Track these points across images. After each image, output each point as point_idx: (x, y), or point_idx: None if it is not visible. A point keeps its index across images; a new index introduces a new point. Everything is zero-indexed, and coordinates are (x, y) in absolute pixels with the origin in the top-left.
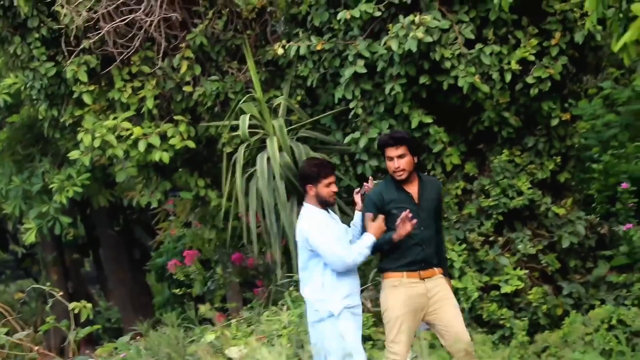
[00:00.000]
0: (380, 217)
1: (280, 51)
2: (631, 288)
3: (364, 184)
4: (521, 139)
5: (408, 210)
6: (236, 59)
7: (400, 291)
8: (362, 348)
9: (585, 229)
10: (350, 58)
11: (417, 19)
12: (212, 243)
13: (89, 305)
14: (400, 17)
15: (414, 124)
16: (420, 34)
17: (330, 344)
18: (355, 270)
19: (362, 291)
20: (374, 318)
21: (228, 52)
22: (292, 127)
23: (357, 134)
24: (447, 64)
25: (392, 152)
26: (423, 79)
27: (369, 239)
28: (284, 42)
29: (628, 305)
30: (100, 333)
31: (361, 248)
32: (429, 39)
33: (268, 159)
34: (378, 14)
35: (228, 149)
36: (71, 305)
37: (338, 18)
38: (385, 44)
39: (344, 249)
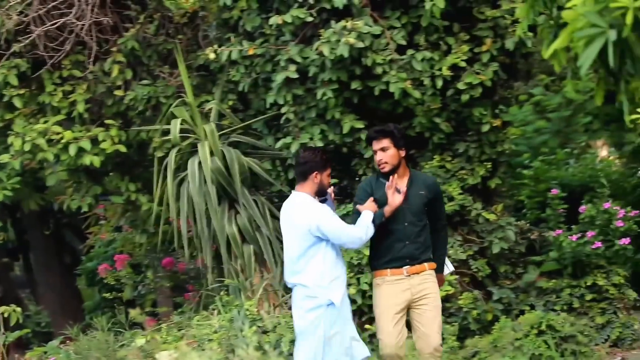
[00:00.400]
0: (370, 198)
1: (212, 56)
2: (560, 294)
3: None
4: (452, 144)
5: (395, 176)
6: (168, 64)
7: (382, 289)
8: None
9: (516, 234)
10: (282, 63)
11: (348, 25)
12: (143, 247)
13: (19, 309)
14: (332, 22)
15: (345, 130)
16: (352, 39)
17: (322, 332)
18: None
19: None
20: None
21: (159, 57)
22: (224, 131)
23: (288, 139)
24: (379, 70)
25: (375, 145)
26: (355, 85)
27: (368, 215)
28: (215, 46)
29: (557, 310)
30: (30, 337)
31: (367, 223)
32: (360, 45)
33: (199, 163)
34: (310, 19)
35: (159, 154)
36: (0, 309)
37: (270, 23)
38: (317, 49)
39: (355, 227)
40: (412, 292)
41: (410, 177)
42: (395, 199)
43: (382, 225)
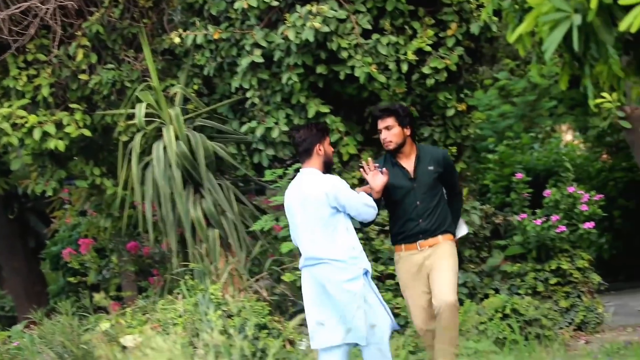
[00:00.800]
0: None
1: (177, 40)
2: (525, 277)
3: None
4: (417, 129)
5: (370, 160)
6: (133, 48)
7: (400, 265)
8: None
9: (480, 218)
10: (247, 47)
11: (314, 9)
12: (108, 231)
13: None
14: (298, 6)
15: (310, 114)
16: (317, 23)
17: (367, 298)
18: None
19: (257, 280)
20: (269, 307)
21: (124, 41)
22: (189, 116)
23: (253, 123)
24: (344, 54)
25: (380, 124)
26: (320, 69)
27: (366, 194)
28: (180, 31)
29: (522, 294)
30: None
31: (367, 195)
32: (326, 29)
33: (164, 147)
34: (275, 3)
35: (124, 138)
36: None
37: (235, 7)
38: (282, 33)
39: (369, 198)
40: (426, 264)
41: (417, 154)
42: (376, 181)
43: (396, 204)
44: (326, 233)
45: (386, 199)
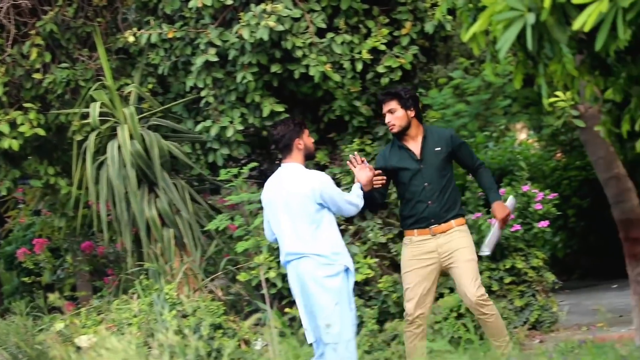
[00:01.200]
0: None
1: (131, 39)
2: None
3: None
4: (372, 128)
5: (357, 154)
6: (87, 47)
7: (408, 250)
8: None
9: None
10: (202, 46)
11: (268, 8)
12: (62, 231)
13: None
14: (252, 5)
15: (265, 113)
16: (271, 22)
17: (344, 297)
18: None
19: (212, 279)
20: (224, 307)
21: (79, 40)
22: (143, 115)
23: (208, 123)
24: (299, 53)
25: (384, 107)
26: (274, 68)
27: (358, 186)
28: (135, 29)
29: None
30: None
31: (360, 193)
32: (280, 28)
33: (119, 147)
34: (230, 2)
35: (78, 137)
36: None
37: (189, 6)
38: (236, 32)
39: (353, 195)
40: (439, 252)
41: (424, 136)
42: (361, 175)
43: (404, 187)
44: (310, 228)
45: (395, 182)
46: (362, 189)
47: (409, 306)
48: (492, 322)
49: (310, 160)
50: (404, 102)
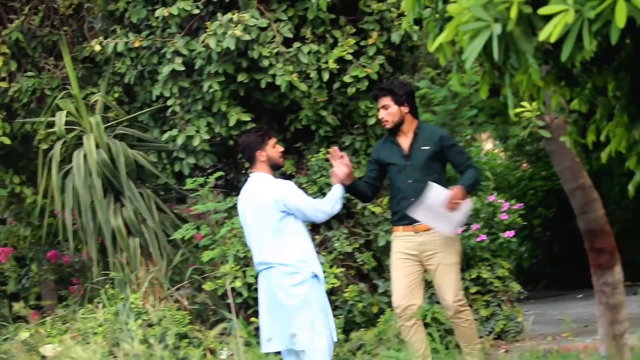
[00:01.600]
0: (342, 166)
1: (97, 48)
2: None
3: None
4: (338, 137)
5: (336, 148)
6: (53, 55)
7: (395, 243)
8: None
9: None
10: (168, 55)
11: (235, 17)
12: (28, 240)
13: None
14: (219, 15)
15: (232, 122)
16: (238, 32)
17: (314, 304)
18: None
19: (177, 289)
20: (190, 316)
21: (45, 48)
22: (109, 124)
23: (174, 132)
24: (265, 63)
25: (378, 103)
26: (241, 77)
27: (338, 188)
28: (101, 38)
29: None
30: None
31: (336, 197)
32: (247, 37)
33: (85, 156)
34: (196, 11)
35: (44, 146)
36: None
37: (156, 15)
38: (203, 41)
39: (321, 201)
40: (421, 250)
41: (415, 132)
42: (338, 170)
43: (392, 182)
44: (275, 238)
45: (388, 178)
46: (344, 189)
47: (394, 298)
48: (466, 328)
49: (277, 170)
50: (398, 98)
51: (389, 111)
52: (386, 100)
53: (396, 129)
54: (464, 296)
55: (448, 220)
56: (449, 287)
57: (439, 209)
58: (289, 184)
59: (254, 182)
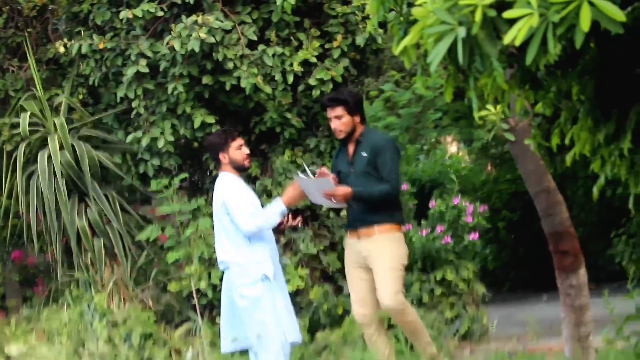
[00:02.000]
0: (296, 186)
1: (61, 49)
2: (410, 288)
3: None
4: (303, 140)
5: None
6: (17, 57)
7: (346, 252)
8: (290, 311)
9: None
10: (133, 57)
11: (200, 20)
12: None
13: None
14: (183, 17)
15: (196, 124)
16: (203, 34)
17: (266, 305)
18: (273, 237)
19: (143, 290)
20: (155, 316)
21: (9, 50)
22: (74, 125)
23: (139, 133)
24: (230, 65)
25: (329, 113)
26: (206, 79)
27: (278, 205)
28: (65, 40)
29: None
30: None
31: (269, 214)
32: (211, 40)
33: (49, 157)
34: (161, 13)
35: (8, 147)
36: None
37: (120, 17)
38: (168, 43)
39: (254, 213)
40: (364, 255)
41: (358, 140)
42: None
43: None
44: (228, 237)
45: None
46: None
47: (355, 307)
48: (410, 327)
49: (242, 172)
50: (350, 108)
51: (342, 121)
52: (339, 111)
53: (348, 137)
54: (402, 298)
55: (318, 199)
56: (385, 290)
57: (318, 191)
58: (235, 189)
59: (217, 182)
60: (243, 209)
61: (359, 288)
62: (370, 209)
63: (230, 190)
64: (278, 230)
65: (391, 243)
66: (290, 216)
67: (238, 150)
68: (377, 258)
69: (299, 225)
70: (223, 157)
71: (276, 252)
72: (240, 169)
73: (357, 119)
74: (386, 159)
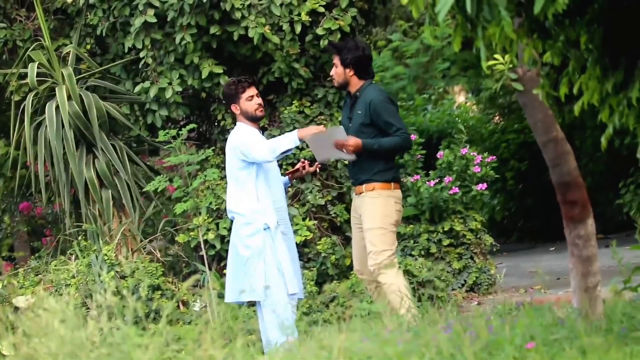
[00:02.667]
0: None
1: None
2: (418, 239)
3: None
4: (311, 90)
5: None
6: (25, 7)
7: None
8: (291, 265)
9: None
10: (141, 7)
11: None
12: (0, 192)
13: None
14: None
15: (204, 74)
16: None
17: (268, 256)
18: (283, 190)
19: (150, 241)
20: (163, 268)
21: (16, 0)
22: (82, 75)
23: (147, 84)
24: (238, 15)
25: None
26: (213, 29)
27: (293, 133)
28: None
29: (415, 255)
30: None
31: (283, 138)
32: None
33: (57, 107)
34: None
35: (16, 97)
36: None
37: None
38: None
39: (264, 142)
40: (358, 212)
41: (356, 95)
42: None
43: None
44: (236, 186)
45: None
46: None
47: (354, 264)
48: (387, 292)
49: (255, 122)
50: (343, 60)
51: (335, 70)
52: (335, 59)
53: (343, 88)
54: (381, 258)
55: (327, 152)
56: (368, 251)
57: (329, 141)
58: (247, 133)
59: (231, 133)
60: (257, 142)
61: (354, 244)
62: (361, 168)
63: (242, 136)
64: (295, 177)
65: (377, 202)
66: (307, 163)
67: (249, 101)
68: (364, 217)
69: (317, 171)
70: (235, 108)
71: (284, 203)
72: (252, 120)
73: (350, 72)
74: (386, 119)
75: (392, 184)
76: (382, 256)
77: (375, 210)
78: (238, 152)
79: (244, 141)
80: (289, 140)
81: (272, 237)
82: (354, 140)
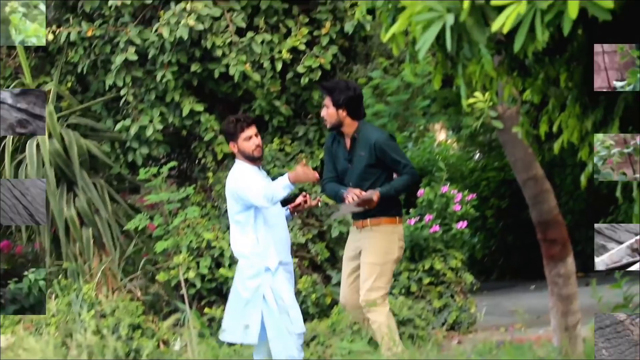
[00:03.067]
0: (303, 163)
1: (50, 37)
2: (399, 277)
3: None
4: (292, 127)
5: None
6: (5, 45)
7: (347, 239)
8: (296, 303)
9: None
10: (122, 45)
11: (188, 6)
12: None
13: None
14: (172, 4)
15: (185, 112)
16: (191, 21)
17: (268, 297)
18: (286, 227)
19: (131, 279)
20: (143, 307)
21: None
22: (62, 113)
23: (128, 122)
24: (219, 52)
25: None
26: (194, 67)
27: (284, 179)
28: (54, 27)
29: (395, 294)
30: None
31: (275, 185)
32: (200, 27)
33: (37, 145)
34: (149, 1)
35: None
36: None
37: (109, 4)
38: (156, 31)
39: (262, 187)
40: (357, 246)
41: (353, 136)
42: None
43: (345, 183)
44: (237, 228)
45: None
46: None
47: (340, 297)
48: (375, 330)
49: (254, 162)
50: (336, 101)
51: (327, 111)
52: (326, 100)
53: (337, 129)
54: (374, 296)
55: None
56: (363, 285)
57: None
58: (245, 173)
59: (230, 172)
60: (254, 186)
61: (348, 281)
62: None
63: (239, 178)
64: (297, 211)
65: (381, 237)
66: (308, 197)
67: (247, 141)
68: (367, 251)
69: (318, 205)
70: (233, 147)
71: (287, 241)
72: (250, 159)
73: (343, 113)
74: (393, 157)
75: (397, 218)
76: (375, 294)
77: (380, 245)
78: (236, 196)
79: (240, 185)
80: (284, 187)
81: (273, 278)
82: (375, 196)
